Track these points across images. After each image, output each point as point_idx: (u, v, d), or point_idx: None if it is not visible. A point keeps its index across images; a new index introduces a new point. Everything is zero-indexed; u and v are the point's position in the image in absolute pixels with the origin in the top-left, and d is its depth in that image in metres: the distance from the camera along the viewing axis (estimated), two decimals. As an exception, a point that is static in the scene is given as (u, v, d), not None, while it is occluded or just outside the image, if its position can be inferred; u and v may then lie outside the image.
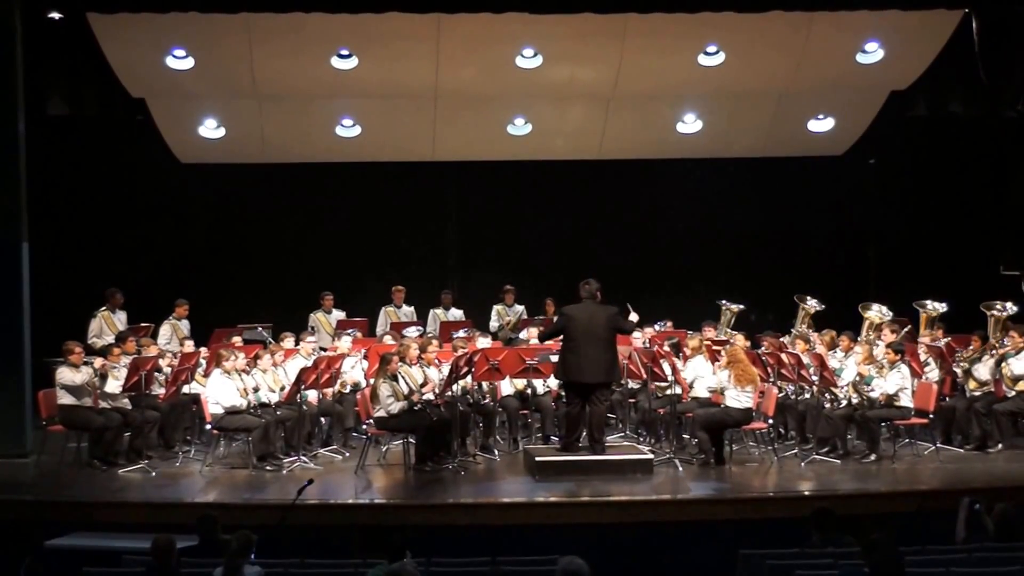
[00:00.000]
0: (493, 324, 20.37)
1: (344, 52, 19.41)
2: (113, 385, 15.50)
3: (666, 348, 16.65)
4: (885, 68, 20.09)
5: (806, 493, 14.00)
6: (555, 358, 15.61)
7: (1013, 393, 15.99)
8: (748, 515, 13.40)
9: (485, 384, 16.45)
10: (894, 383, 15.31)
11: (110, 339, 17.60)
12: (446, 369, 15.67)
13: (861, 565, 9.14)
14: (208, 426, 15.54)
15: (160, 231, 21.70)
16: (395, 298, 20.48)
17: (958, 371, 16.70)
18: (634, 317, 15.48)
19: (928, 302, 17.92)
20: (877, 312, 17.87)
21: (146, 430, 15.81)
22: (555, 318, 15.61)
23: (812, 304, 18.68)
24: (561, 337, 15.25)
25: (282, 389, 15.94)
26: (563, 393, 16.15)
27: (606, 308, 15.04)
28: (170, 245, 21.72)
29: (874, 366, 15.58)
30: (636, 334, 17.05)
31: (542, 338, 16.15)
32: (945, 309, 17.89)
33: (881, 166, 22.44)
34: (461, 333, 18.02)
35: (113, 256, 21.05)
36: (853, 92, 20.88)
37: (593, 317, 14.87)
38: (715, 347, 16.69)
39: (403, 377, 15.34)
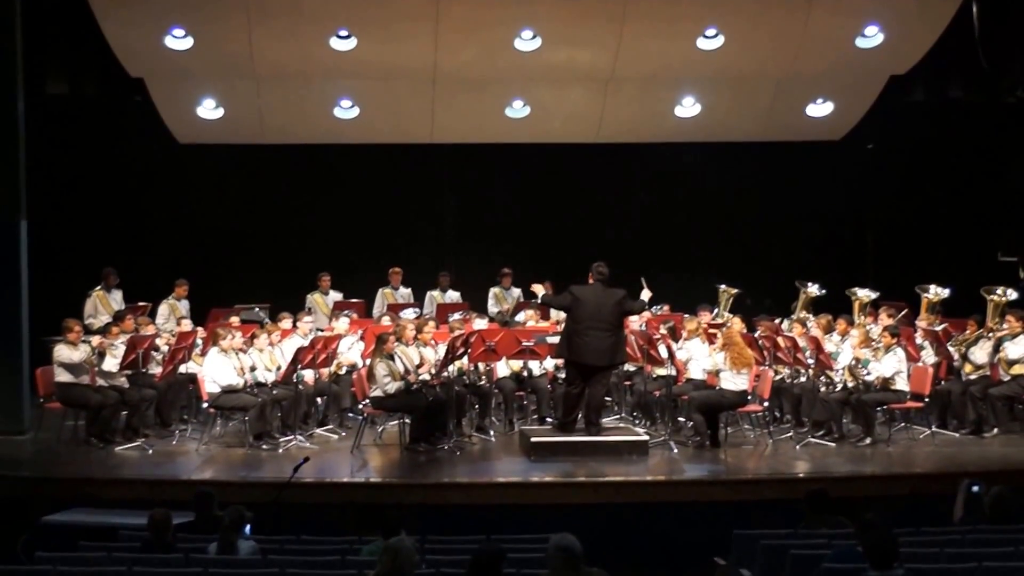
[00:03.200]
0: (491, 308, 20.38)
1: (343, 33, 19.42)
2: (110, 363, 15.54)
3: (662, 331, 16.66)
4: (885, 52, 20.10)
5: (801, 475, 14.04)
6: (552, 340, 15.64)
7: (1009, 377, 16.01)
8: (743, 496, 13.44)
9: (481, 365, 16.48)
10: (890, 367, 15.33)
11: (105, 319, 17.65)
12: (442, 350, 15.70)
13: (855, 545, 9.17)
14: (204, 405, 15.57)
15: (158, 211, 21.69)
16: (392, 280, 20.49)
17: (955, 354, 16.71)
18: (646, 294, 15.46)
19: (932, 287, 17.89)
20: (865, 294, 17.95)
21: (143, 408, 15.86)
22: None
23: (813, 290, 18.68)
24: (564, 316, 15.26)
25: (278, 369, 15.98)
26: (560, 375, 16.19)
27: (614, 292, 15.00)
28: (168, 225, 21.69)
29: (870, 350, 15.60)
30: (632, 317, 17.03)
31: (544, 301, 16.04)
32: (948, 294, 17.88)
33: (880, 151, 22.41)
34: (457, 315, 18.04)
35: (111, 235, 21.04)
36: (852, 77, 20.88)
37: (601, 300, 14.85)
38: (712, 330, 16.71)
39: (399, 357, 15.35)
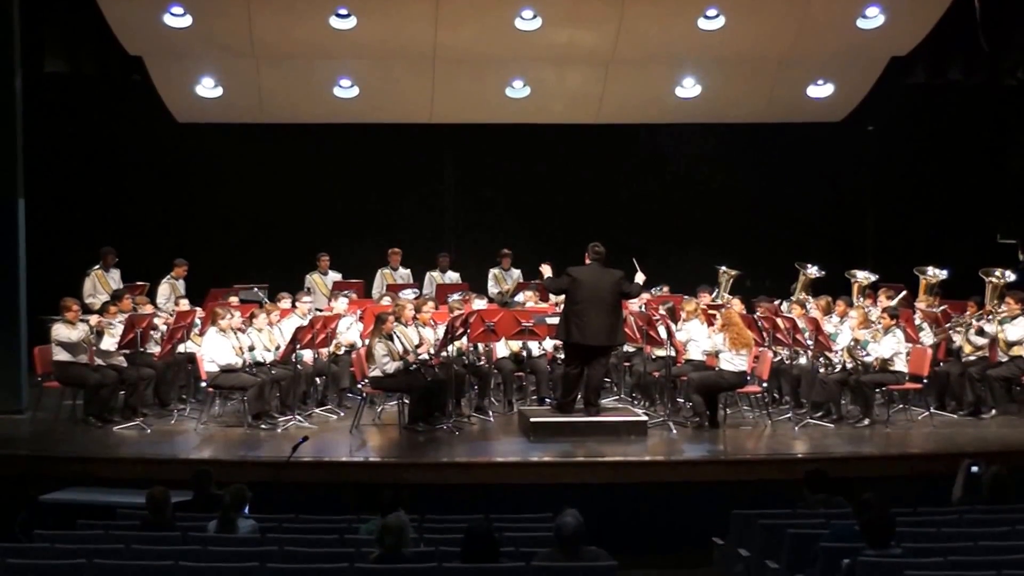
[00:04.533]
0: (491, 289, 20.38)
1: (343, 12, 19.35)
2: (109, 342, 15.53)
3: (662, 312, 16.66)
4: (885, 34, 20.05)
5: (799, 456, 14.03)
6: (551, 320, 15.63)
7: (1007, 358, 16.02)
8: (741, 476, 13.47)
9: (481, 346, 16.48)
10: (889, 348, 15.33)
11: (104, 298, 17.65)
12: (442, 330, 15.69)
13: (852, 524, 9.20)
14: (203, 384, 15.59)
15: (157, 190, 21.71)
16: (391, 260, 20.49)
17: (959, 335, 16.68)
18: (640, 277, 15.41)
19: (929, 268, 17.92)
20: (864, 276, 17.98)
21: (141, 388, 15.83)
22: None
23: (813, 271, 18.69)
24: (564, 298, 15.25)
25: (277, 348, 15.96)
26: (559, 355, 16.18)
27: (612, 272, 14.99)
28: (166, 204, 21.74)
29: (869, 331, 15.59)
30: (632, 300, 17.07)
31: (545, 284, 16.03)
32: (946, 276, 17.89)
33: (880, 133, 22.41)
34: (457, 296, 18.03)
35: (109, 214, 21.07)
36: (853, 58, 20.86)
37: (599, 280, 14.83)
38: (711, 311, 16.71)
39: (398, 337, 15.35)
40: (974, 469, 11.07)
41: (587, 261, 15.06)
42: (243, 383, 15.24)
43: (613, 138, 22.35)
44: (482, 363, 16.62)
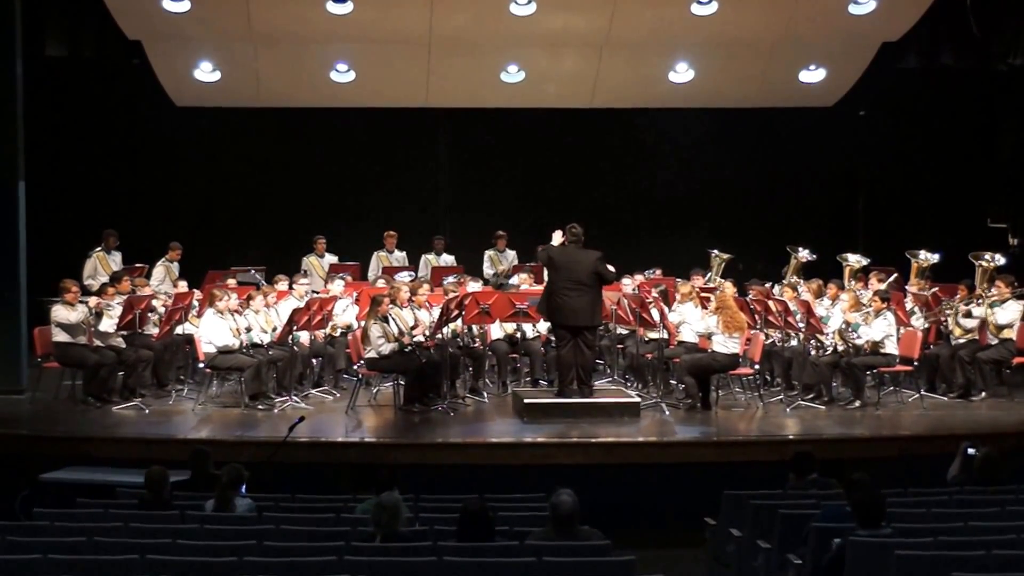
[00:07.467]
0: (487, 270, 20.46)
1: (340, -3, 19.46)
2: (107, 324, 15.60)
3: (654, 295, 16.76)
4: (877, 19, 20.11)
5: (791, 437, 14.14)
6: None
7: (996, 341, 16.13)
8: (733, 458, 13.57)
9: (475, 328, 16.58)
10: (880, 330, 15.43)
11: (104, 280, 17.70)
12: (437, 312, 15.81)
13: (843, 505, 9.31)
14: (201, 365, 15.68)
15: (155, 173, 21.76)
16: (387, 243, 20.59)
17: (949, 319, 16.76)
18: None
19: (921, 252, 17.97)
20: (856, 260, 18.08)
21: (140, 368, 15.92)
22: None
23: (804, 255, 18.78)
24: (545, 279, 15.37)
25: (274, 330, 16.05)
26: (553, 337, 16.27)
27: (589, 252, 15.05)
28: (165, 187, 21.79)
29: (860, 314, 15.69)
30: (626, 280, 17.22)
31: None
32: (938, 260, 17.96)
33: (871, 118, 22.48)
34: (452, 278, 18.13)
35: (108, 197, 21.15)
36: (845, 43, 20.92)
37: (576, 262, 14.90)
38: (704, 294, 16.80)
39: (394, 319, 15.46)
40: (971, 451, 11.20)
41: (565, 242, 15.15)
42: (240, 364, 15.35)
43: (607, 122, 22.44)
44: (477, 345, 16.71)
